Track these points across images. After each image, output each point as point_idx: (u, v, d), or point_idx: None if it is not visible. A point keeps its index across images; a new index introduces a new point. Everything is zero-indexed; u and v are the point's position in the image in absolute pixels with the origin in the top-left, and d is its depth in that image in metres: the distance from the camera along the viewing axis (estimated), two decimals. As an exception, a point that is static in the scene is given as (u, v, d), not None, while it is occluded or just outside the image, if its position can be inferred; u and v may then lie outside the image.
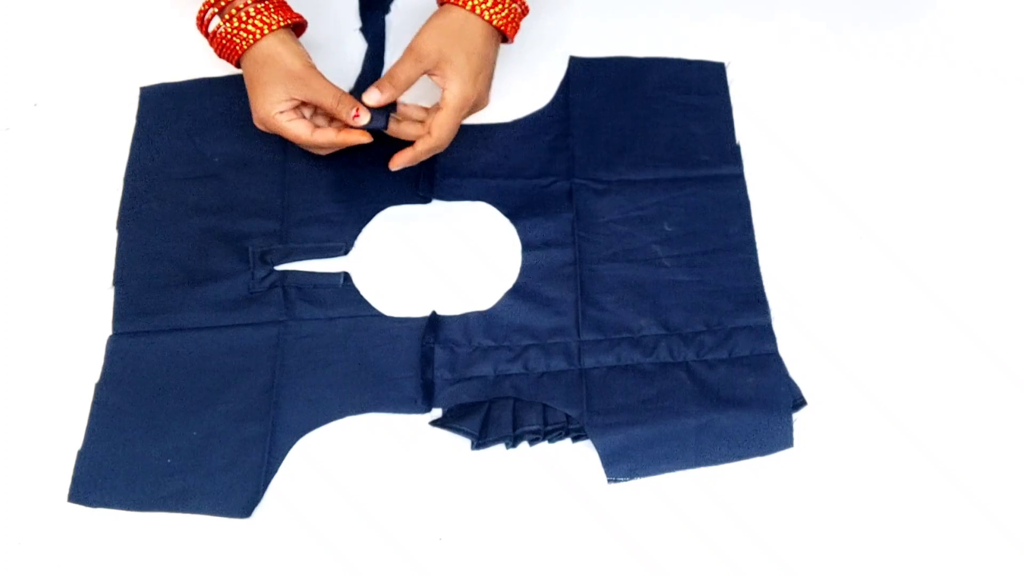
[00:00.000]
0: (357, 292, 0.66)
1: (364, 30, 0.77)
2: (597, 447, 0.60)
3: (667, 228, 0.68)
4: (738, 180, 0.70)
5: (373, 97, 0.63)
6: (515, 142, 0.72)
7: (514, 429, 0.60)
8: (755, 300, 0.65)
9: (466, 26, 0.64)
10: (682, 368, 0.63)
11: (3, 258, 0.67)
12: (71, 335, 0.64)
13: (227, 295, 0.65)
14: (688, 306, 0.65)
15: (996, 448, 0.60)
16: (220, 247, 0.67)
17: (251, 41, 0.63)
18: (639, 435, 0.60)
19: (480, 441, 0.60)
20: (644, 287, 0.66)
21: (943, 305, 0.65)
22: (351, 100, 0.64)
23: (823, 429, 0.61)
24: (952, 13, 0.79)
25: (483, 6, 0.64)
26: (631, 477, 0.59)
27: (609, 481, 0.59)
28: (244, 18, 0.63)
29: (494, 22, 0.64)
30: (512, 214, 0.69)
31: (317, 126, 0.65)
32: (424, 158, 0.65)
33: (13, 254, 0.68)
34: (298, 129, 0.64)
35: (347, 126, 0.64)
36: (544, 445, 0.61)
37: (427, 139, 0.64)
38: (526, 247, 0.68)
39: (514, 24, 0.66)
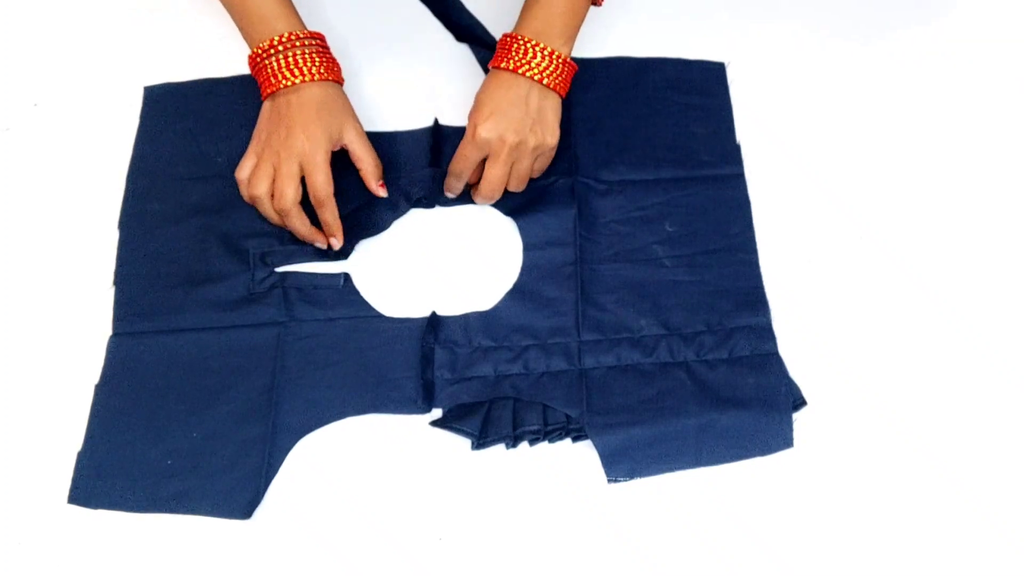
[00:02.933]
0: (357, 293, 0.66)
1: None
2: (597, 447, 0.60)
3: (668, 228, 0.68)
4: (738, 180, 0.70)
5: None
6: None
7: (514, 429, 0.60)
8: (755, 300, 0.65)
9: (513, 83, 0.65)
10: (682, 368, 0.63)
11: (3, 258, 0.67)
12: (71, 335, 0.64)
13: (227, 296, 0.65)
14: (688, 306, 0.65)
15: (996, 448, 0.60)
16: (221, 248, 0.67)
17: (304, 80, 0.64)
18: (639, 435, 0.60)
19: (480, 441, 0.60)
20: (645, 287, 0.66)
21: (943, 305, 0.65)
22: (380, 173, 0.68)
23: (823, 429, 0.61)
24: (952, 13, 0.79)
25: (529, 67, 0.65)
26: (631, 477, 0.59)
27: (609, 481, 0.59)
28: (305, 57, 0.65)
29: (544, 81, 0.65)
30: (513, 214, 0.69)
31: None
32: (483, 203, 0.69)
33: (13, 254, 0.67)
34: (325, 176, 0.64)
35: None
36: (544, 445, 0.61)
37: (475, 191, 0.68)
38: (527, 247, 0.68)
39: (564, 82, 0.67)
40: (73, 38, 0.77)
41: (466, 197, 0.70)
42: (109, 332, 0.64)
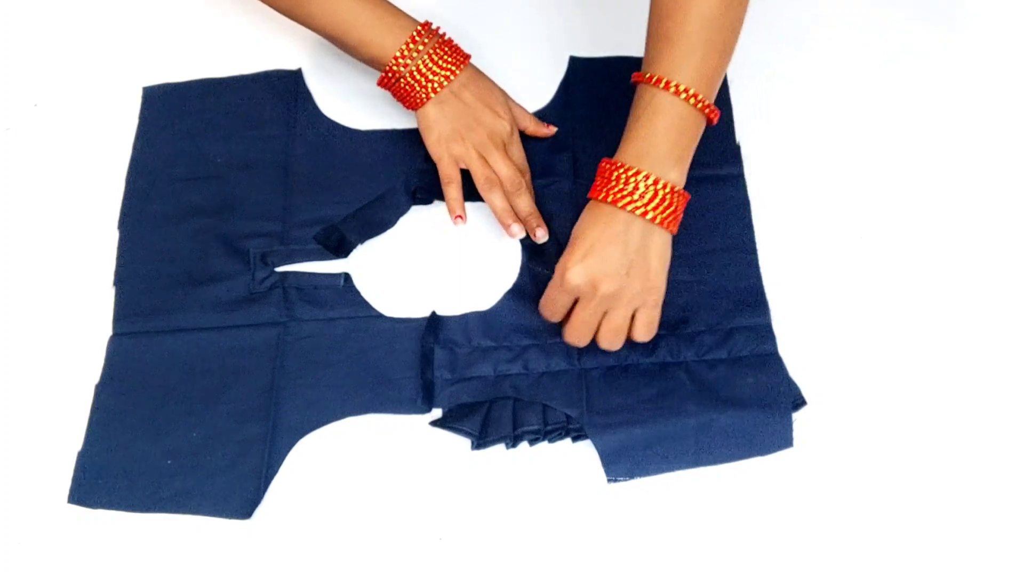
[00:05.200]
0: (357, 293, 0.66)
1: None
2: (597, 447, 0.60)
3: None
4: (738, 180, 0.70)
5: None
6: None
7: (514, 429, 0.60)
8: (755, 300, 0.65)
9: (612, 218, 0.57)
10: (682, 368, 0.63)
11: (3, 258, 0.67)
12: (71, 335, 0.64)
13: (227, 296, 0.65)
14: (688, 306, 0.65)
15: (996, 448, 0.60)
16: (221, 248, 0.67)
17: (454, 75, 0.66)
18: (639, 435, 0.60)
19: (480, 441, 0.60)
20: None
21: (943, 305, 0.65)
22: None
23: (823, 429, 0.61)
24: (952, 13, 0.79)
25: (631, 200, 0.56)
26: (631, 477, 0.59)
27: (609, 481, 0.59)
28: (434, 60, 0.66)
29: (650, 216, 0.56)
30: (513, 214, 0.69)
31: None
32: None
33: (14, 254, 0.68)
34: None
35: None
36: (544, 445, 0.61)
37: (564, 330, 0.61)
38: (526, 247, 0.68)
39: (675, 217, 0.58)
40: (73, 38, 0.77)
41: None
42: (109, 332, 0.64)
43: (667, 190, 0.56)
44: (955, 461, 0.60)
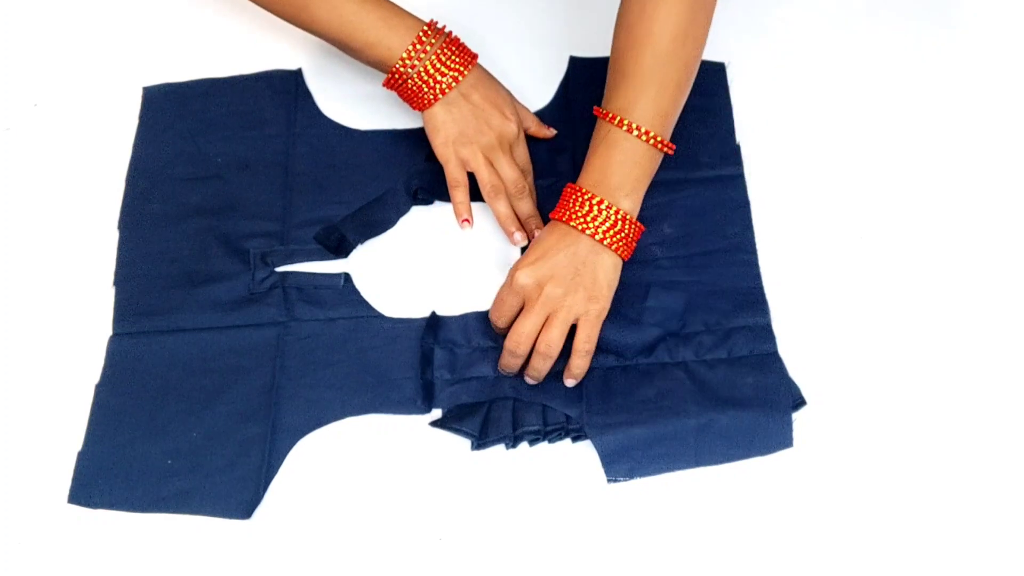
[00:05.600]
0: (357, 293, 0.66)
1: None
2: (597, 447, 0.60)
3: (666, 229, 0.68)
4: (738, 180, 0.70)
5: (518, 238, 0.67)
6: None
7: (514, 429, 0.60)
8: (755, 300, 0.65)
9: (566, 234, 0.61)
10: (681, 368, 0.63)
11: (4, 258, 0.67)
12: (71, 335, 0.64)
13: (228, 296, 0.65)
14: (688, 306, 0.65)
15: (995, 448, 0.60)
16: (221, 248, 0.67)
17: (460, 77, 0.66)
18: (638, 435, 0.60)
19: (480, 441, 0.60)
20: (643, 287, 0.66)
21: (943, 305, 0.65)
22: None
23: (822, 429, 0.61)
24: (952, 13, 0.79)
25: (585, 223, 0.60)
26: (631, 477, 0.59)
27: (609, 481, 0.59)
28: (442, 60, 0.65)
29: (605, 241, 0.60)
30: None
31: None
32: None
33: (14, 254, 0.68)
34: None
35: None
36: (544, 445, 0.61)
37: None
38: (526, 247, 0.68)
39: (627, 244, 0.61)
40: (73, 38, 0.77)
41: None
42: (109, 332, 0.64)
43: (619, 216, 0.60)
44: (954, 461, 0.60)
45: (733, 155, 0.71)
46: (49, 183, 0.71)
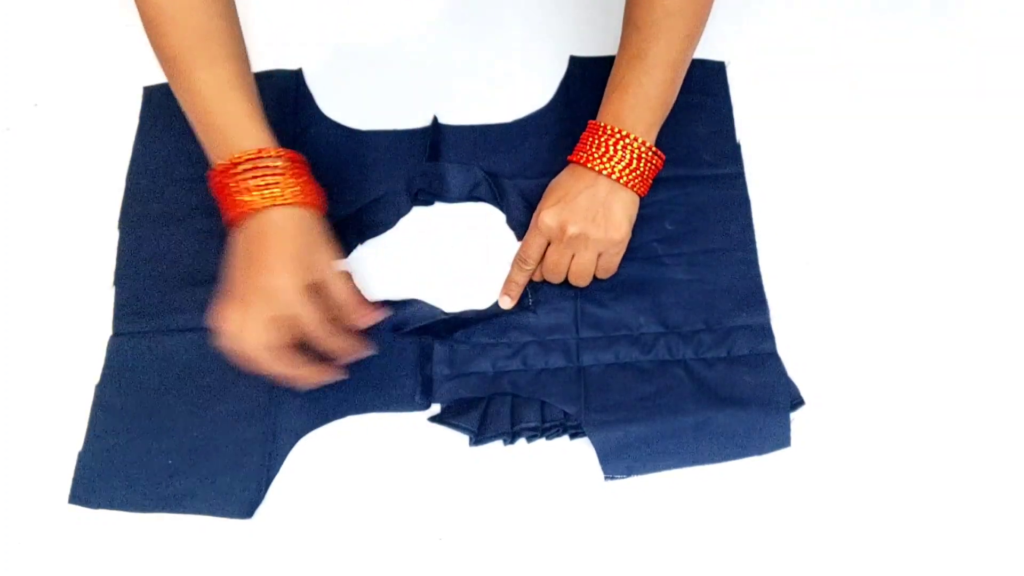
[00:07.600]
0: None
1: None
2: (595, 444, 0.60)
3: (668, 227, 0.68)
4: (738, 179, 0.70)
5: (506, 303, 0.65)
6: (516, 142, 0.72)
7: (512, 425, 0.60)
8: (754, 299, 0.65)
9: (584, 175, 0.63)
10: (680, 366, 0.63)
11: (4, 258, 0.67)
12: (71, 335, 0.64)
13: (227, 295, 0.65)
14: (687, 304, 0.65)
15: (995, 448, 0.60)
16: (221, 248, 0.67)
17: (276, 203, 0.56)
18: (637, 433, 0.60)
19: (478, 437, 0.60)
20: (644, 285, 0.66)
21: (942, 305, 0.65)
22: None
23: (821, 429, 0.61)
24: (952, 13, 0.79)
25: (603, 165, 0.62)
26: (628, 475, 0.59)
27: (606, 478, 0.59)
28: (276, 178, 0.56)
29: (621, 180, 0.62)
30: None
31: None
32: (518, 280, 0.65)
33: (14, 254, 0.68)
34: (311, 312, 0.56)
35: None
36: (542, 442, 0.61)
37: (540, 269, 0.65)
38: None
39: (642, 180, 0.63)
40: (73, 38, 0.77)
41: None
42: (109, 332, 0.64)
43: (635, 149, 0.62)
44: (953, 461, 0.60)
45: (733, 154, 0.71)
46: (49, 183, 0.71)
